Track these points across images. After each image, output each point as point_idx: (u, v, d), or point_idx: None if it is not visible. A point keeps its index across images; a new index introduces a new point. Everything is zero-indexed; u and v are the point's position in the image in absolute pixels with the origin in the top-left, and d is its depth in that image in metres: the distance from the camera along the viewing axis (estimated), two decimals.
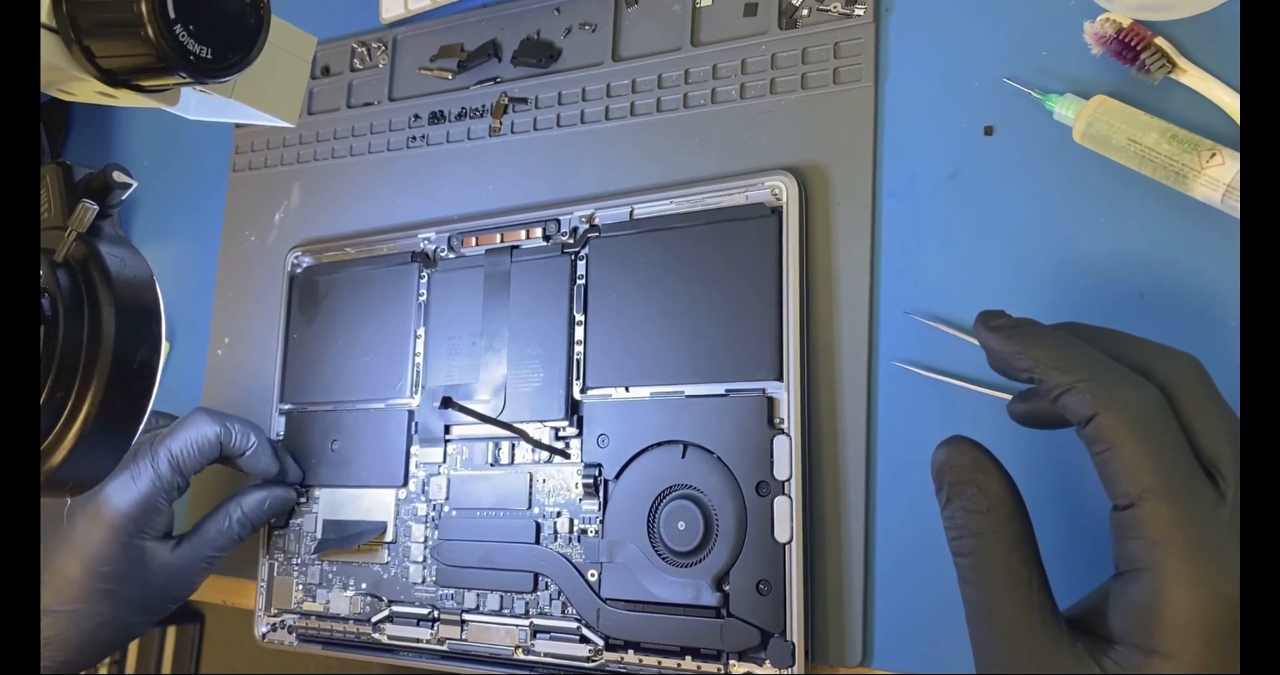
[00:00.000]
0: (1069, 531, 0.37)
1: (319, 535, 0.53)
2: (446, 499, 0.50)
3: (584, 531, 0.46)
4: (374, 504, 0.52)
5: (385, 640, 0.50)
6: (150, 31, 0.31)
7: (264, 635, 0.54)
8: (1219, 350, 0.37)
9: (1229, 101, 0.37)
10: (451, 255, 0.52)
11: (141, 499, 0.47)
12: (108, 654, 0.49)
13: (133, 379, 0.33)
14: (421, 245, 0.53)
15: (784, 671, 0.40)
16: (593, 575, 0.45)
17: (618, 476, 0.45)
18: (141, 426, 0.34)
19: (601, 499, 0.45)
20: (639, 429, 0.45)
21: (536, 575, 0.46)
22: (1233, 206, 0.36)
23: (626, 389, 0.46)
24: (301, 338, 0.56)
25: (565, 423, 0.47)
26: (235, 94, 0.39)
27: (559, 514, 0.47)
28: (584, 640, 0.45)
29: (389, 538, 0.51)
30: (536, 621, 0.46)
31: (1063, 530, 0.37)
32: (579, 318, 0.48)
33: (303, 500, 0.54)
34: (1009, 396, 0.37)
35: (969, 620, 0.30)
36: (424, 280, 0.53)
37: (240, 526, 0.50)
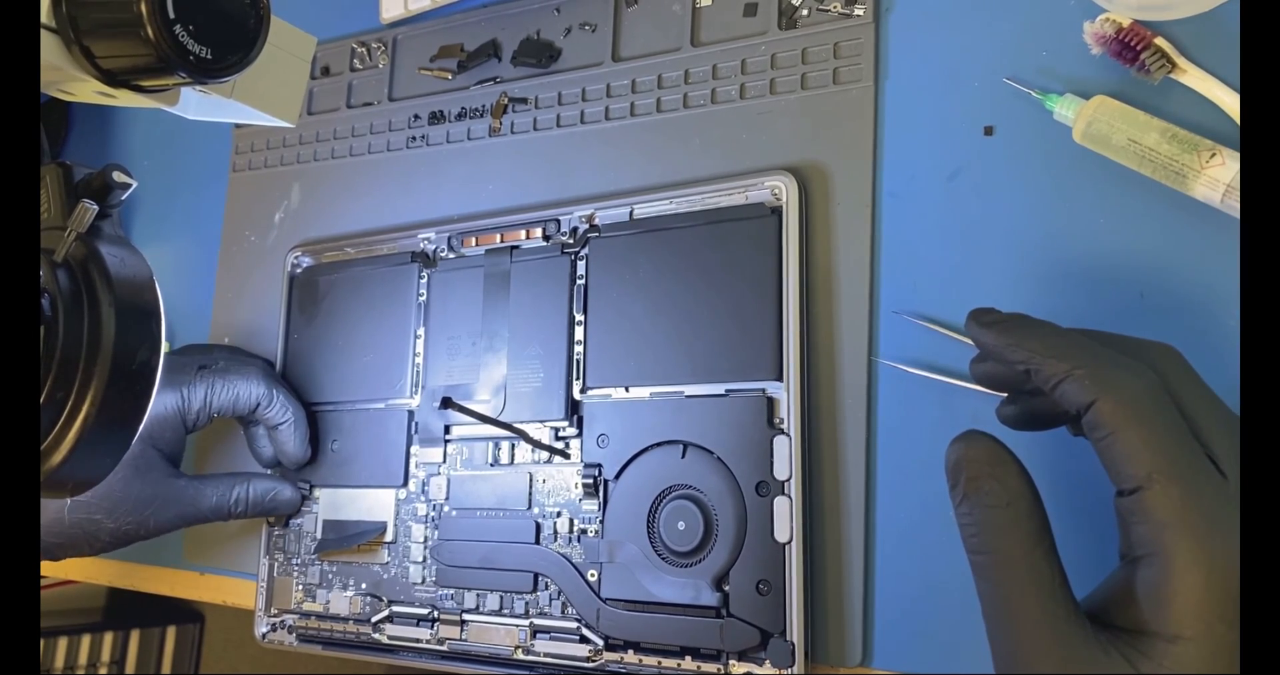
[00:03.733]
0: (1072, 527, 0.37)
1: (319, 535, 0.53)
2: (446, 499, 0.50)
3: (584, 531, 0.46)
4: (374, 504, 0.52)
5: (385, 640, 0.50)
6: (150, 31, 0.31)
7: (264, 635, 0.54)
8: (1219, 350, 0.37)
9: (1229, 101, 0.37)
10: (451, 255, 0.52)
11: (157, 413, 0.47)
12: (63, 551, 0.47)
13: (133, 379, 0.33)
14: (421, 245, 0.53)
15: (784, 671, 0.40)
16: (593, 575, 0.45)
17: (618, 476, 0.45)
18: (141, 426, 0.34)
19: (601, 499, 0.45)
20: (639, 429, 0.45)
21: (536, 575, 0.46)
22: (1233, 206, 0.36)
23: (626, 389, 0.46)
24: (301, 338, 0.56)
25: (565, 423, 0.47)
26: (235, 94, 0.39)
27: (559, 514, 0.47)
28: (584, 640, 0.45)
29: (389, 538, 0.51)
30: (536, 621, 0.46)
31: (1066, 525, 0.37)
32: (579, 318, 0.48)
33: (304, 499, 0.54)
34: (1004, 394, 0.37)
35: (987, 618, 0.30)
36: (424, 280, 0.53)
37: (236, 506, 0.50)
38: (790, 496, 0.41)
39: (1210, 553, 0.27)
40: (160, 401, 0.48)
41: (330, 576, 0.53)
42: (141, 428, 0.47)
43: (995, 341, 0.31)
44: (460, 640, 0.48)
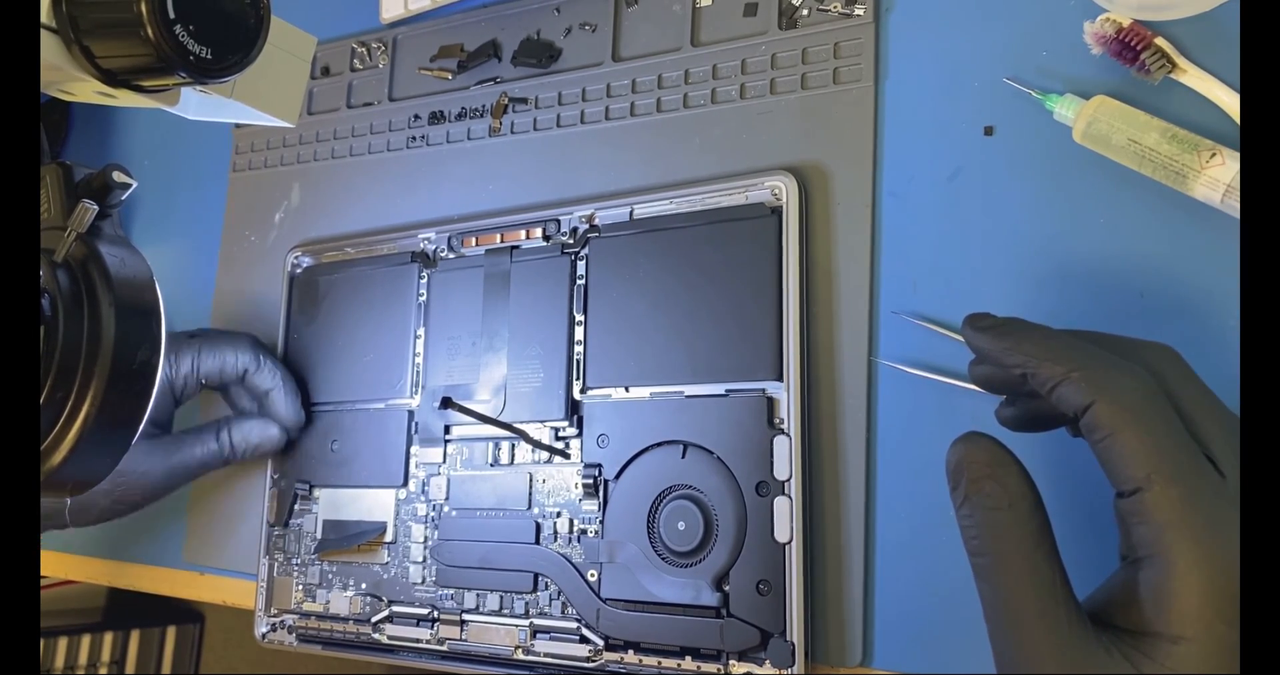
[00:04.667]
0: (1073, 527, 0.37)
1: (319, 535, 0.53)
2: (446, 499, 0.50)
3: (584, 531, 0.46)
4: (374, 504, 0.52)
5: (385, 640, 0.50)
6: (150, 31, 0.31)
7: (264, 635, 0.54)
8: (1219, 350, 0.37)
9: (1229, 101, 0.37)
10: (451, 255, 0.52)
11: None
12: (52, 524, 0.47)
13: (133, 379, 0.33)
14: (421, 245, 0.53)
15: (784, 671, 0.40)
16: (593, 575, 0.45)
17: (618, 477, 0.45)
18: (141, 426, 0.34)
19: (601, 499, 0.45)
20: (639, 429, 0.45)
21: (536, 575, 0.46)
22: (1233, 206, 0.36)
23: (626, 389, 0.46)
24: (301, 338, 0.56)
25: (565, 423, 0.47)
26: (235, 94, 0.39)
27: (559, 514, 0.47)
28: (584, 640, 0.45)
29: (389, 538, 0.51)
30: (536, 622, 0.46)
31: (1067, 526, 0.37)
32: (579, 318, 0.48)
33: (304, 499, 0.54)
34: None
35: (989, 620, 0.30)
36: (424, 280, 0.53)
37: (224, 450, 0.50)
38: (790, 496, 0.41)
39: (1211, 553, 0.27)
40: None
41: (330, 576, 0.53)
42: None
43: (991, 346, 0.31)
44: (460, 640, 0.48)
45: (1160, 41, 0.38)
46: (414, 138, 0.57)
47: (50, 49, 0.32)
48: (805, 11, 0.46)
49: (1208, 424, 0.29)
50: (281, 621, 0.54)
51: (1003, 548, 0.29)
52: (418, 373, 0.52)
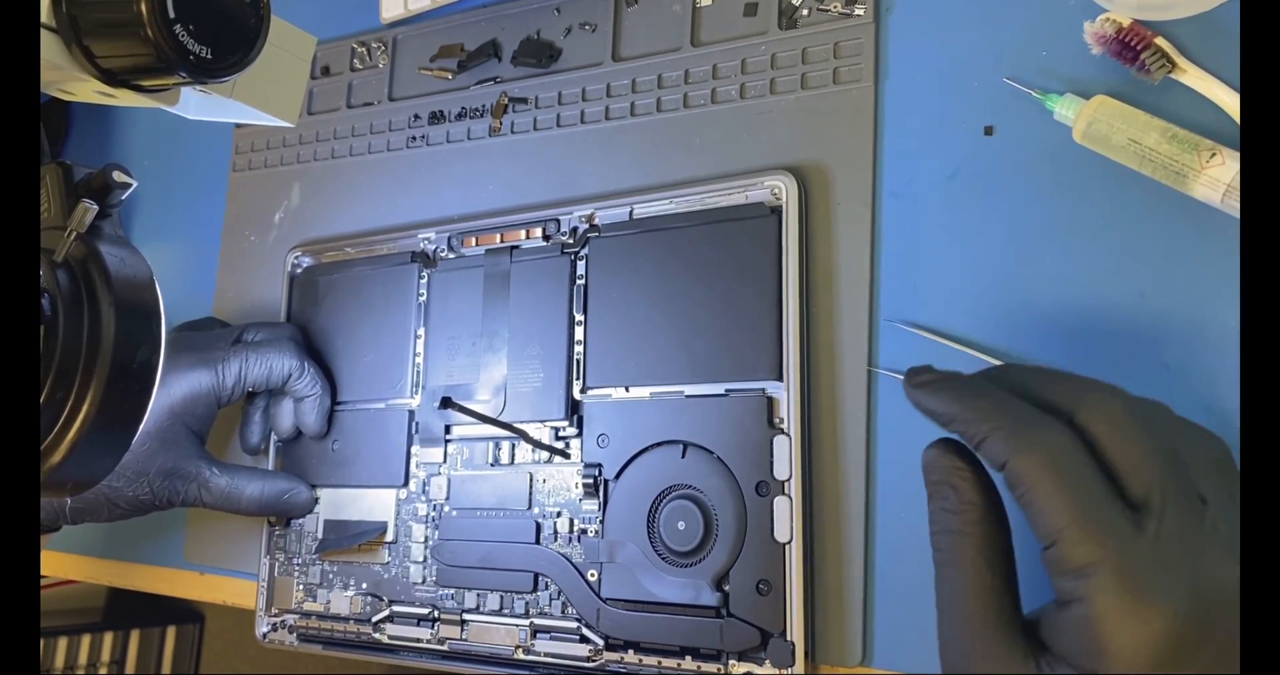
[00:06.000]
0: None
1: (319, 535, 0.53)
2: (447, 499, 0.50)
3: (584, 531, 0.46)
4: (374, 504, 0.52)
5: (385, 640, 0.50)
6: (150, 31, 0.31)
7: (264, 635, 0.54)
8: (1219, 350, 0.37)
9: (1229, 101, 0.37)
10: (451, 255, 0.52)
11: (192, 390, 0.49)
12: (82, 515, 0.49)
13: (133, 379, 0.33)
14: (421, 245, 0.53)
15: (784, 671, 0.40)
16: (593, 575, 0.45)
17: (618, 476, 0.45)
18: (141, 426, 0.34)
19: (601, 499, 0.45)
20: (639, 429, 0.45)
21: (536, 575, 0.46)
22: (1233, 206, 0.36)
23: (626, 389, 0.46)
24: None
25: (565, 423, 0.47)
26: (235, 94, 0.39)
27: (559, 514, 0.47)
28: (584, 640, 0.45)
29: (389, 538, 0.51)
30: (536, 621, 0.46)
31: None
32: (579, 318, 0.48)
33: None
34: None
35: (937, 613, 0.32)
36: (424, 280, 0.53)
37: (248, 502, 0.50)
38: (790, 496, 0.41)
39: (1124, 602, 0.27)
40: (195, 380, 0.49)
41: (331, 576, 0.53)
42: (175, 402, 0.48)
43: (924, 402, 0.32)
44: (460, 640, 0.48)
45: (1160, 41, 0.38)
46: (414, 138, 0.57)
47: (50, 49, 0.32)
48: (805, 11, 0.46)
49: (1142, 472, 0.28)
50: (282, 621, 0.54)
51: (947, 546, 0.31)
52: (418, 373, 0.52)
